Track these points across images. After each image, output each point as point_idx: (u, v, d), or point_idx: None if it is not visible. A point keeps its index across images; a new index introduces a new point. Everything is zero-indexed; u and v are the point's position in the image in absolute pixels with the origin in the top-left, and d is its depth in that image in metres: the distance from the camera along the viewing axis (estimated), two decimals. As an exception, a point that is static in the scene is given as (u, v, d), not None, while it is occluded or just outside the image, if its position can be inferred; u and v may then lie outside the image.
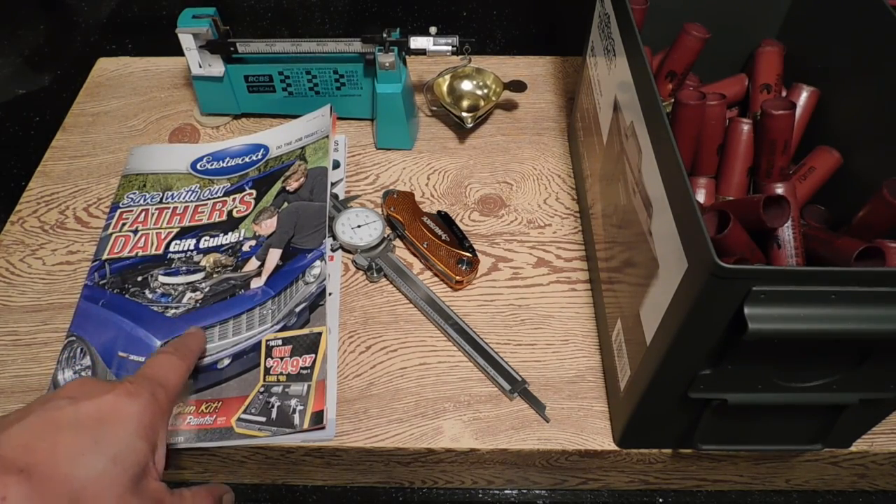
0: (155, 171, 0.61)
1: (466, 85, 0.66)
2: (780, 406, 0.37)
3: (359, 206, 0.57)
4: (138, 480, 0.33)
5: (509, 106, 0.68)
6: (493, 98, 0.64)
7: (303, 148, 0.59)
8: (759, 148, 0.46)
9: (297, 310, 0.49)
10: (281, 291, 0.50)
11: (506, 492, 0.50)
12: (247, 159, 0.61)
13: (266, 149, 0.61)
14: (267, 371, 0.47)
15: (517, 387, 0.47)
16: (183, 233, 0.55)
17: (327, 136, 0.59)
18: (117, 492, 0.31)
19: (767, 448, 0.42)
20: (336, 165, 0.61)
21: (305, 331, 0.48)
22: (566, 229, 0.57)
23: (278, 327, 0.49)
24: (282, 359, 0.47)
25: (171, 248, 0.54)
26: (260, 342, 0.48)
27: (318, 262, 0.51)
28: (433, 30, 0.58)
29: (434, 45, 0.58)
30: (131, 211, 0.57)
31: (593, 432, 0.45)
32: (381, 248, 0.54)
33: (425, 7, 0.90)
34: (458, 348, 0.49)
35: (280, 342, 0.48)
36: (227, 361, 0.47)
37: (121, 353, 0.48)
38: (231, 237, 0.55)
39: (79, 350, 0.48)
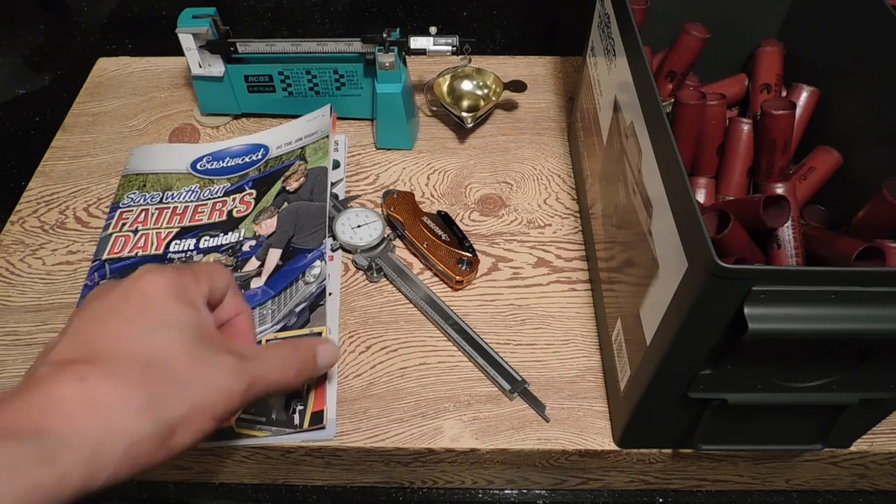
0: (155, 171, 0.61)
1: (466, 85, 0.66)
2: (780, 406, 0.37)
3: (359, 206, 0.57)
4: (201, 339, 0.33)
5: (509, 106, 0.68)
6: (493, 98, 0.64)
7: (303, 148, 0.59)
8: (759, 148, 0.46)
9: (297, 310, 0.49)
10: (281, 291, 0.50)
11: (506, 492, 0.50)
12: (247, 159, 0.61)
13: (266, 149, 0.61)
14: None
15: (517, 387, 0.47)
16: (183, 233, 0.55)
17: (327, 136, 0.59)
18: (184, 351, 0.32)
19: (767, 448, 0.42)
20: (336, 165, 0.61)
21: (305, 331, 0.48)
22: (566, 229, 0.57)
23: (278, 327, 0.49)
24: None
25: (171, 249, 0.54)
26: (260, 342, 0.48)
27: (318, 262, 0.51)
28: (433, 30, 0.58)
29: (434, 45, 0.58)
30: (131, 211, 0.57)
31: (593, 432, 0.45)
32: (381, 248, 0.54)
33: (425, 7, 0.90)
34: (458, 348, 0.49)
35: (280, 342, 0.48)
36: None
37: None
38: (231, 237, 0.55)
39: (79, 350, 0.48)
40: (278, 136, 0.62)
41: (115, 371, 0.29)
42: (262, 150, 0.61)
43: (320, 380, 0.46)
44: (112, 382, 0.29)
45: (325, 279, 0.50)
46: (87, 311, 0.33)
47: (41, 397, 0.28)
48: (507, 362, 0.48)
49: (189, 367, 0.31)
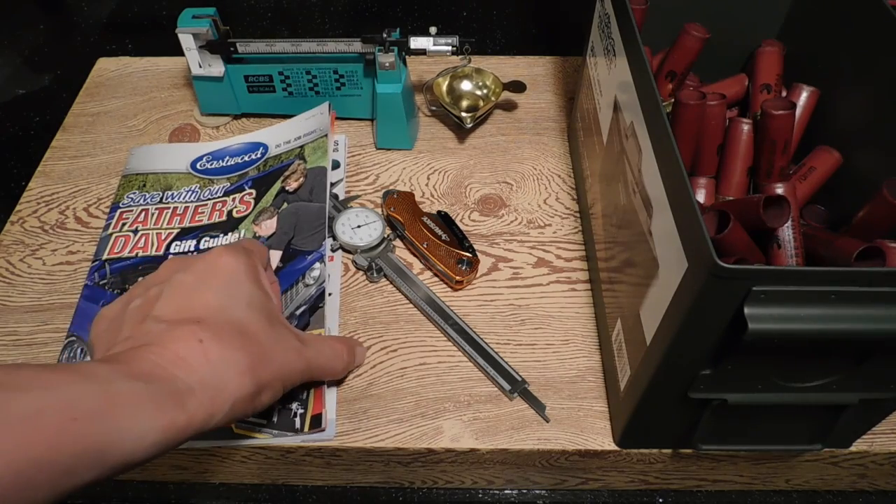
0: (155, 171, 0.61)
1: (466, 85, 0.66)
2: (780, 406, 0.37)
3: (359, 206, 0.57)
4: (272, 319, 0.38)
5: (509, 106, 0.68)
6: (493, 98, 0.64)
7: (302, 147, 0.59)
8: (759, 148, 0.46)
9: (298, 312, 0.49)
10: (281, 294, 0.50)
11: (506, 492, 0.50)
12: (246, 158, 0.61)
13: (265, 147, 0.61)
14: None
15: (517, 387, 0.47)
16: (183, 233, 0.55)
17: (326, 135, 0.59)
18: (264, 328, 0.37)
19: (767, 448, 0.42)
20: (336, 165, 0.61)
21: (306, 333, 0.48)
22: (566, 229, 0.57)
23: None
24: None
25: (172, 249, 0.54)
26: None
27: (317, 264, 0.51)
28: (433, 30, 0.58)
29: (434, 45, 0.58)
30: (131, 211, 0.57)
31: (593, 432, 0.45)
32: (381, 248, 0.54)
33: (425, 7, 0.90)
34: (458, 348, 0.49)
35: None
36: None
37: (121, 353, 0.48)
38: (231, 238, 0.55)
39: (79, 350, 0.48)
40: (277, 135, 0.62)
41: (222, 336, 0.34)
42: (261, 148, 0.61)
43: (319, 383, 0.46)
44: (223, 345, 0.34)
45: (324, 281, 0.50)
46: (175, 281, 0.37)
47: (167, 350, 0.32)
48: (507, 362, 0.48)
49: (270, 341, 0.37)
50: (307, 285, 0.50)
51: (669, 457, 0.45)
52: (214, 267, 0.37)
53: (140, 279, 0.52)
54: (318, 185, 0.56)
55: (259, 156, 0.61)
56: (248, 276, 0.38)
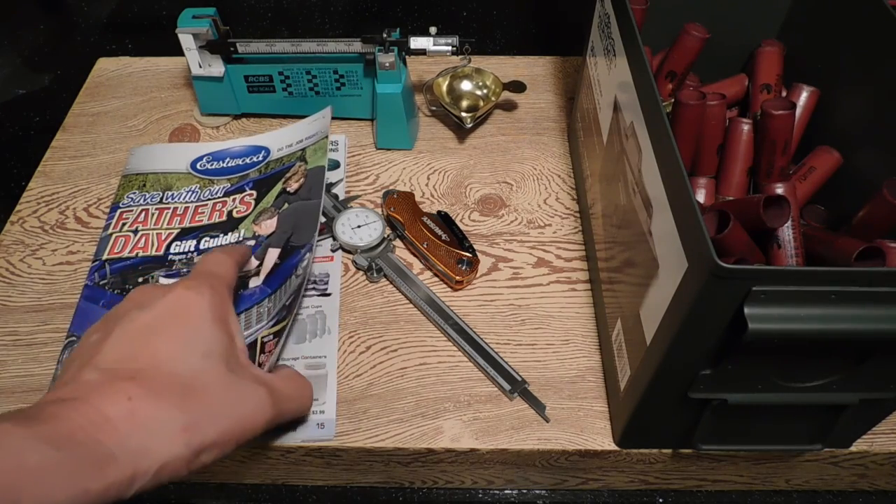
0: (155, 171, 0.61)
1: (466, 85, 0.66)
2: (780, 406, 0.37)
3: (359, 206, 0.57)
4: (233, 367, 0.35)
5: (509, 106, 0.68)
6: (493, 98, 0.64)
7: (303, 149, 0.59)
8: (759, 148, 0.46)
9: (288, 303, 0.49)
10: (277, 289, 0.50)
11: (506, 492, 0.50)
12: (247, 160, 0.61)
13: (267, 151, 0.61)
14: (259, 367, 0.46)
15: (517, 387, 0.47)
16: (183, 234, 0.55)
17: (326, 136, 0.59)
18: (220, 379, 0.34)
19: (767, 448, 0.42)
20: (336, 165, 0.61)
21: (277, 328, 0.48)
22: (566, 229, 0.57)
23: (272, 323, 0.49)
24: (271, 353, 0.47)
25: (172, 250, 0.54)
26: (256, 340, 0.48)
27: (307, 255, 0.51)
28: (433, 30, 0.58)
29: (434, 45, 0.58)
30: (131, 211, 0.57)
31: (593, 432, 0.45)
32: (381, 248, 0.54)
33: (425, 7, 0.90)
34: (458, 348, 0.49)
35: (272, 337, 0.48)
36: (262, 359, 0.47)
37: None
38: (231, 238, 0.55)
39: (79, 350, 0.48)
40: (280, 139, 0.62)
41: (158, 392, 0.32)
42: (262, 151, 0.61)
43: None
44: (154, 404, 0.31)
45: (308, 269, 0.50)
46: (130, 319, 0.34)
47: (92, 409, 0.30)
48: (507, 362, 0.48)
49: (223, 395, 0.34)
50: (297, 276, 0.50)
51: (669, 457, 0.45)
52: (175, 308, 0.35)
53: (140, 280, 0.52)
54: (316, 184, 0.56)
55: (261, 158, 0.61)
56: (211, 317, 0.35)
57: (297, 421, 0.45)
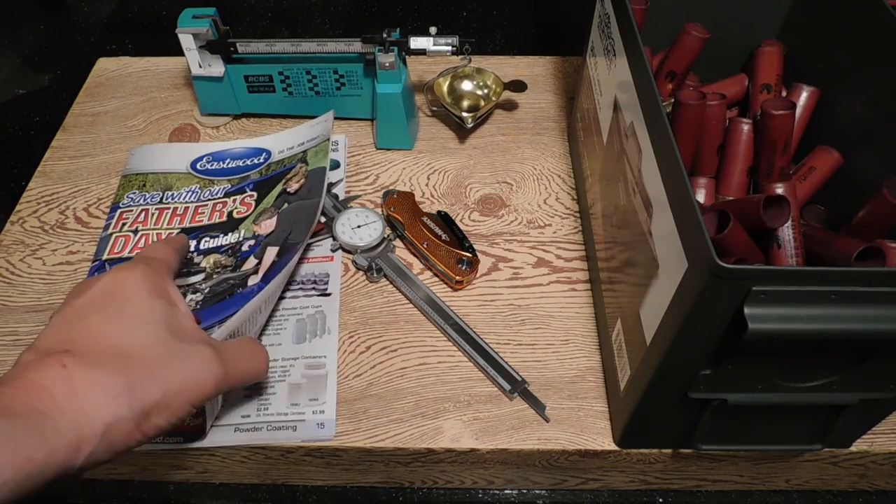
0: (155, 171, 0.61)
1: (466, 85, 0.66)
2: (780, 406, 0.37)
3: (359, 206, 0.57)
4: (176, 331, 0.35)
5: (509, 106, 0.68)
6: (494, 98, 0.64)
7: (304, 152, 0.59)
8: (759, 148, 0.46)
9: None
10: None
11: (506, 492, 0.50)
12: (248, 162, 0.61)
13: (268, 153, 0.61)
14: None
15: (517, 387, 0.47)
16: (183, 234, 0.55)
17: (328, 139, 0.59)
18: (161, 342, 0.34)
19: (767, 448, 0.42)
20: (336, 165, 0.61)
21: None
22: (566, 229, 0.57)
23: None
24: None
25: (172, 249, 0.54)
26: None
27: (297, 251, 0.51)
28: (433, 30, 0.58)
29: (434, 45, 0.58)
30: (131, 211, 0.57)
31: (593, 432, 0.45)
32: (381, 248, 0.54)
33: (425, 7, 0.90)
34: (458, 348, 0.49)
35: (243, 338, 0.47)
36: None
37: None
38: (231, 238, 0.55)
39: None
40: (281, 141, 0.62)
41: (93, 361, 0.32)
42: (263, 153, 0.61)
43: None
44: (90, 369, 0.31)
45: (292, 263, 0.50)
46: (68, 308, 0.35)
47: (28, 382, 0.30)
48: (507, 362, 0.48)
49: (164, 356, 0.34)
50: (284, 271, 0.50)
51: (669, 457, 0.45)
52: (108, 287, 0.35)
53: None
54: (316, 184, 0.56)
55: (262, 160, 0.61)
56: (145, 288, 0.36)
57: (258, 386, 0.45)
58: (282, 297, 0.52)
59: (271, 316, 0.51)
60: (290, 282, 0.53)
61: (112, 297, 0.35)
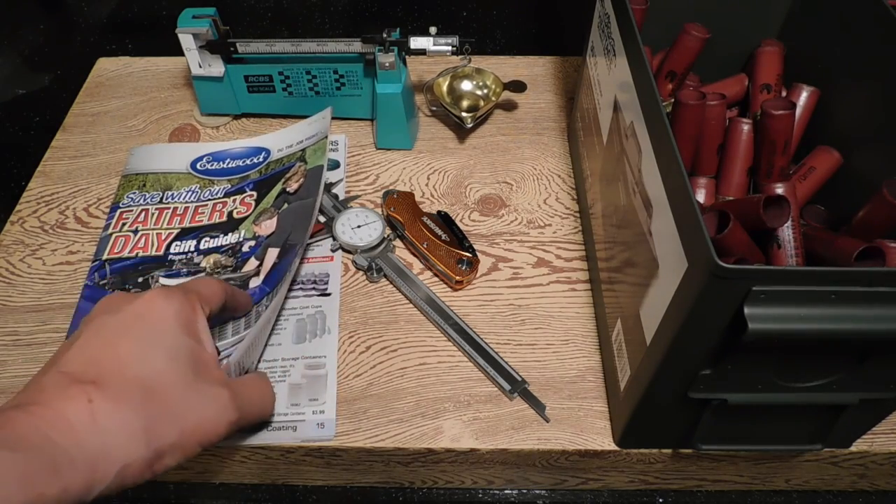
0: (155, 171, 0.61)
1: (466, 85, 0.66)
2: (780, 406, 0.37)
3: (359, 206, 0.57)
4: (198, 371, 0.35)
5: (509, 106, 0.68)
6: (493, 98, 0.64)
7: (303, 150, 0.59)
8: (759, 148, 0.46)
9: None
10: (275, 287, 0.50)
11: (506, 492, 0.50)
12: (248, 161, 0.61)
13: (267, 152, 0.61)
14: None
15: (517, 387, 0.47)
16: (183, 234, 0.55)
17: (326, 137, 0.59)
18: (183, 381, 0.34)
19: (767, 448, 0.42)
20: (336, 165, 0.61)
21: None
22: (566, 229, 0.57)
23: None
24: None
25: (172, 250, 0.54)
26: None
27: (297, 253, 0.51)
28: (433, 30, 0.58)
29: (434, 45, 0.58)
30: (131, 211, 0.57)
31: (593, 432, 0.45)
32: (381, 248, 0.54)
33: (425, 7, 0.90)
34: (458, 348, 0.49)
35: (253, 376, 0.47)
36: (223, 363, 0.47)
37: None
38: (231, 238, 0.55)
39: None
40: (280, 140, 0.62)
41: (118, 395, 0.32)
42: (263, 153, 0.61)
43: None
44: (115, 406, 0.31)
45: (294, 265, 0.50)
46: (98, 324, 0.34)
47: (51, 412, 0.30)
48: (507, 362, 0.48)
49: (185, 397, 0.34)
50: (289, 272, 0.50)
51: (669, 457, 0.45)
52: (142, 312, 0.35)
53: (139, 280, 0.52)
54: (314, 183, 0.55)
55: (261, 160, 0.61)
56: (177, 322, 0.35)
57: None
58: (282, 297, 0.52)
59: (271, 316, 0.51)
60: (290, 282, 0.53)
61: (143, 323, 0.34)
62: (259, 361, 0.48)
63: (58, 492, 0.28)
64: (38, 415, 0.30)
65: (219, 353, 0.39)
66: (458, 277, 0.51)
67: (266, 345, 0.49)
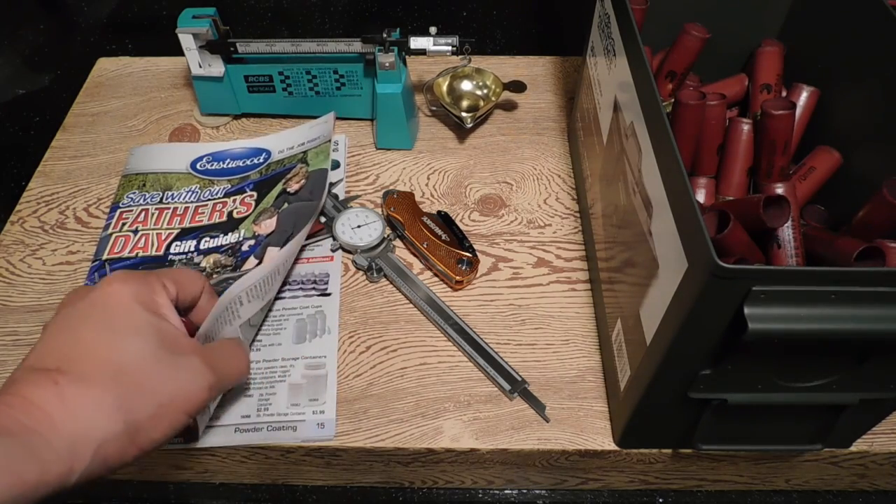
0: (155, 171, 0.61)
1: (466, 85, 0.66)
2: (780, 406, 0.37)
3: (359, 206, 0.57)
4: (165, 344, 0.35)
5: (509, 106, 0.68)
6: (493, 98, 0.64)
7: (305, 152, 0.59)
8: (759, 148, 0.46)
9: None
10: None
11: (506, 492, 0.50)
12: (248, 162, 0.61)
13: (268, 153, 0.61)
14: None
15: (517, 387, 0.47)
16: (183, 234, 0.55)
17: (329, 140, 0.59)
18: (151, 356, 0.34)
19: (767, 448, 0.42)
20: (336, 165, 0.62)
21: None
22: (566, 229, 0.57)
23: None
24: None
25: (172, 250, 0.54)
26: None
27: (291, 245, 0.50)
28: (433, 30, 0.58)
29: (434, 45, 0.58)
30: (131, 211, 0.57)
31: (593, 432, 0.45)
32: (381, 248, 0.54)
33: (425, 7, 0.90)
34: (458, 348, 0.49)
35: (222, 340, 0.47)
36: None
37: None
38: (231, 237, 0.55)
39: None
40: (281, 141, 0.62)
41: (85, 376, 0.32)
42: (263, 153, 0.61)
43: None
44: (83, 386, 0.31)
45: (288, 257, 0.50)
46: (59, 318, 0.35)
47: (20, 399, 0.30)
48: (507, 362, 0.48)
49: (156, 369, 0.34)
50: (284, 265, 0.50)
51: (669, 457, 0.45)
52: (99, 300, 0.35)
53: None
54: (317, 186, 0.56)
55: (262, 160, 0.61)
56: (136, 301, 0.35)
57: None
58: (282, 298, 0.52)
59: (271, 316, 0.51)
60: (290, 282, 0.53)
61: (102, 309, 0.35)
62: (254, 341, 0.49)
63: (38, 475, 0.28)
64: (10, 404, 0.30)
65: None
66: (458, 277, 0.51)
67: (262, 324, 0.49)
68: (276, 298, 0.51)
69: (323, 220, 0.56)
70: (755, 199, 0.39)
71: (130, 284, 0.36)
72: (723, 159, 0.48)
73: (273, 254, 0.52)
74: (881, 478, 0.48)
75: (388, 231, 0.56)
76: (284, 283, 0.52)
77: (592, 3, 0.52)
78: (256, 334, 0.49)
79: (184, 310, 0.40)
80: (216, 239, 0.55)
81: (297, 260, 0.54)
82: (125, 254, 0.54)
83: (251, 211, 0.56)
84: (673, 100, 0.47)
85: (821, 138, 0.47)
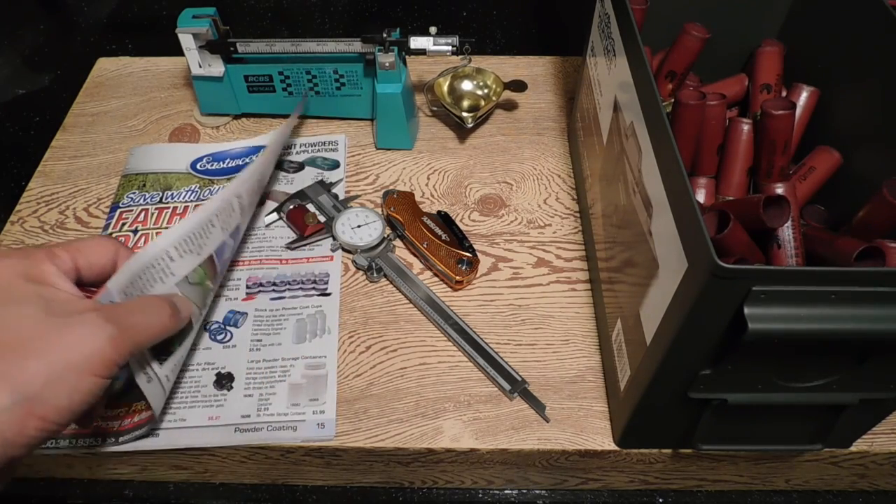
0: (155, 171, 0.61)
1: (466, 85, 0.66)
2: (780, 406, 0.37)
3: (359, 206, 0.57)
4: (53, 309, 0.33)
5: (509, 106, 0.68)
6: (494, 98, 0.64)
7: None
8: (759, 148, 0.46)
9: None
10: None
11: (506, 492, 0.50)
12: (247, 160, 0.61)
13: None
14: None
15: (517, 387, 0.47)
16: (183, 233, 0.55)
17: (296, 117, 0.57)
18: (35, 323, 0.32)
19: (767, 448, 0.42)
20: (336, 165, 0.62)
21: None
22: (566, 229, 0.57)
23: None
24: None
25: (171, 249, 0.54)
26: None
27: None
28: (433, 30, 0.58)
29: (434, 45, 0.58)
30: (131, 211, 0.57)
31: (593, 432, 0.45)
32: (381, 248, 0.54)
33: (425, 7, 0.90)
34: (458, 348, 0.49)
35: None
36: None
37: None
38: (231, 237, 0.55)
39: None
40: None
41: None
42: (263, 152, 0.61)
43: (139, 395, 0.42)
44: None
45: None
46: None
47: None
48: (507, 362, 0.48)
49: (41, 335, 0.32)
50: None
51: (669, 457, 0.45)
52: None
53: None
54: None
55: None
56: (14, 274, 0.34)
57: (258, 387, 0.45)
58: (282, 297, 0.52)
59: (272, 316, 0.51)
60: (289, 281, 0.52)
61: None
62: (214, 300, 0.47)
63: None
64: None
65: None
66: (458, 277, 0.51)
67: (221, 286, 0.47)
68: (277, 298, 0.51)
69: (323, 219, 0.56)
70: (755, 199, 0.39)
71: (10, 259, 0.34)
72: (723, 159, 0.48)
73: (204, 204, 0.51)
74: (881, 478, 0.48)
75: (388, 231, 0.56)
76: (284, 283, 0.52)
77: (592, 3, 0.52)
78: (212, 295, 0.46)
79: (96, 279, 0.38)
80: (216, 239, 0.55)
81: (296, 260, 0.54)
82: (125, 254, 0.54)
83: (251, 211, 0.56)
84: (673, 100, 0.47)
85: (821, 138, 0.47)
